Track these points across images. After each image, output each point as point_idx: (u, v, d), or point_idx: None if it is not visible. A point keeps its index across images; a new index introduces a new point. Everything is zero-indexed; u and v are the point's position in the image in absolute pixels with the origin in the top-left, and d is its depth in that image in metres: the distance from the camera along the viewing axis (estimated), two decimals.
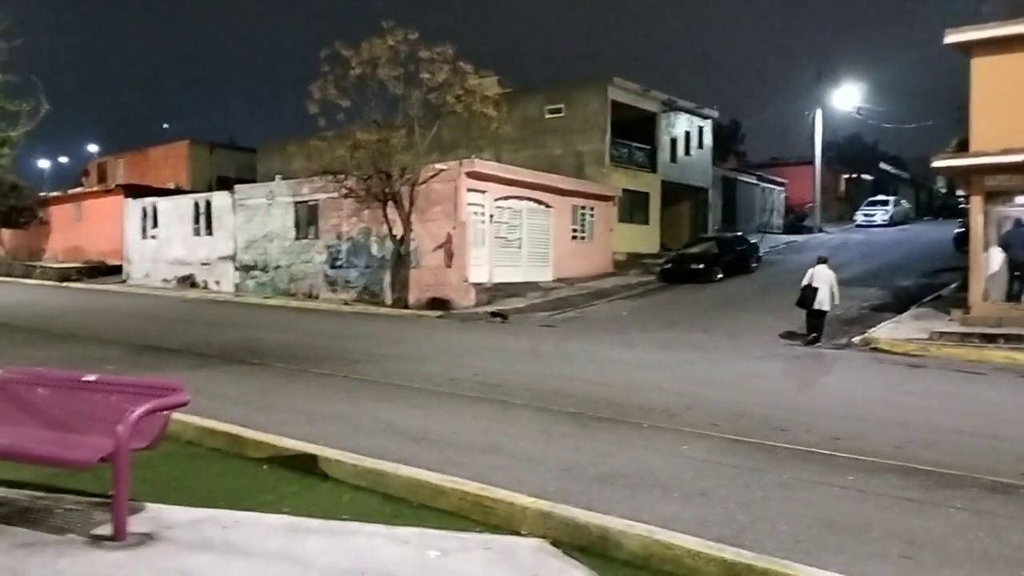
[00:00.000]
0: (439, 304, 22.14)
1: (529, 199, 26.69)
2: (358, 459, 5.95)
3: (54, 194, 44.54)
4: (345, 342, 15.17)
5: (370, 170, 22.12)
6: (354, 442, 6.72)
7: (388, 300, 23.64)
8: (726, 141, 49.46)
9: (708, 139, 39.65)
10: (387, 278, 24.05)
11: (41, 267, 37.28)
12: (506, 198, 25.51)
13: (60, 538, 4.39)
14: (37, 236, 42.85)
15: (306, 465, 6.08)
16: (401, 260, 23.24)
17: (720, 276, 26.59)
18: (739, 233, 33.19)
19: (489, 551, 4.42)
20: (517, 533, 4.77)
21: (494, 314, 20.13)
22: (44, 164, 64.32)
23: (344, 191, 23.09)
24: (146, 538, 4.38)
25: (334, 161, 22.48)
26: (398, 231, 22.97)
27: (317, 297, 26.08)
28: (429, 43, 21.58)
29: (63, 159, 68.06)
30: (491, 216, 24.78)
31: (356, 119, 22.37)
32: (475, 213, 24.02)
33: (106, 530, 4.42)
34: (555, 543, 4.58)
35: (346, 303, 24.27)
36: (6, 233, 45.07)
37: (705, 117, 38.97)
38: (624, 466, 6.51)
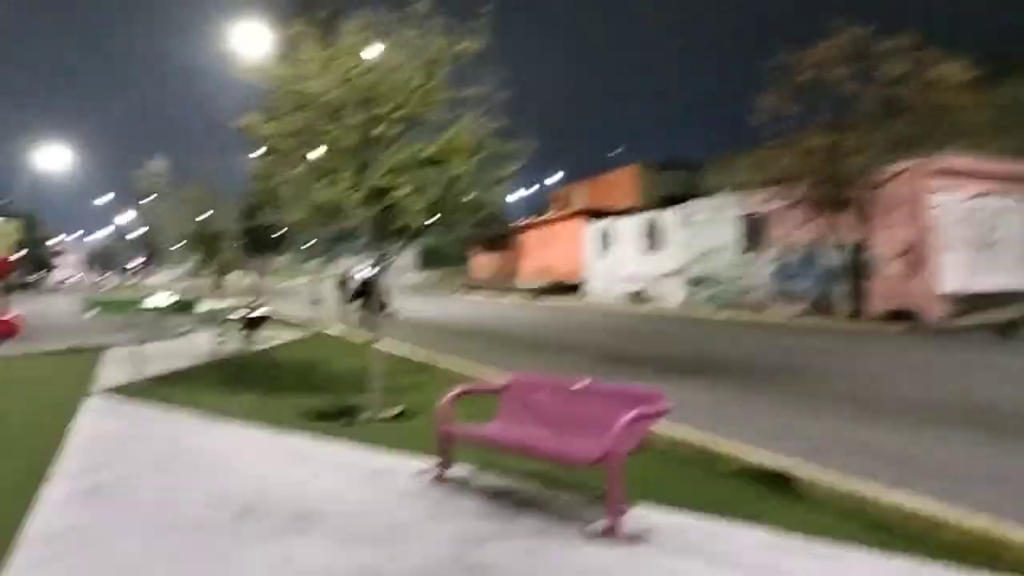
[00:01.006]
0: (902, 316, 20.21)
1: (1014, 194, 23.06)
2: (837, 479, 5.64)
3: (525, 221, 50.62)
4: (799, 357, 14.63)
5: (820, 176, 21.18)
6: (826, 462, 6.38)
7: (842, 313, 22.27)
8: None
9: None
10: (841, 290, 22.69)
11: (515, 287, 42.56)
12: (983, 195, 22.37)
13: (562, 529, 4.88)
14: (512, 259, 49.11)
15: (779, 482, 5.94)
16: (856, 270, 21.76)
17: None
18: None
19: None
20: None
21: (1000, 327, 17.51)
22: (517, 195, 73.48)
23: (793, 200, 22.42)
24: (636, 538, 4.67)
25: (781, 170, 21.96)
26: (853, 239, 21.56)
27: (765, 310, 25.64)
28: (884, 36, 19.96)
29: (532, 189, 77.01)
30: (964, 217, 21.94)
31: (804, 125, 21.61)
32: (943, 214, 21.48)
33: (600, 526, 4.82)
34: None
35: (796, 316, 23.46)
36: (488, 257, 52.47)
37: None
38: None
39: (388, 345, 13.81)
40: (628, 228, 35.59)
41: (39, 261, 72.21)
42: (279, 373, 12.41)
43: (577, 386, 5.79)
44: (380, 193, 7.96)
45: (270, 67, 8.59)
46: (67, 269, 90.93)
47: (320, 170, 8.13)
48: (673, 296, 31.46)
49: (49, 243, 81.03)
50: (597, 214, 39.64)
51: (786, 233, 25.13)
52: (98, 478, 6.04)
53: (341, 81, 8.02)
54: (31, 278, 63.84)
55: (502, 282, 45.74)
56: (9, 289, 22.60)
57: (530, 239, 47.95)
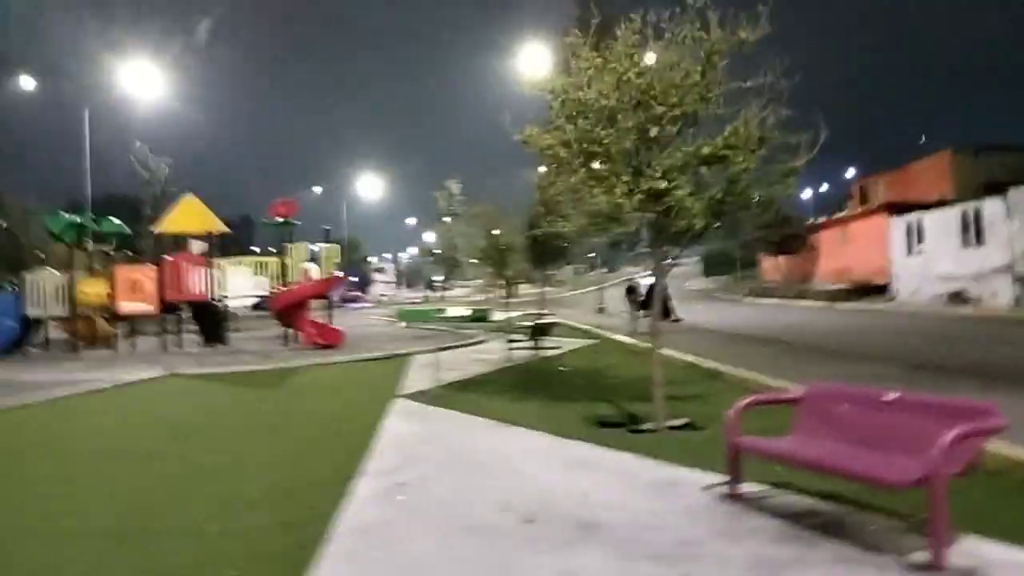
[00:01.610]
0: None
1: None
2: None
3: (820, 220, 47.46)
4: None
5: None
6: None
7: None
8: None
9: None
10: None
11: (811, 290, 39.95)
12: None
13: (873, 557, 4.30)
14: (806, 261, 46.23)
15: None
16: None
17: None
18: None
19: None
20: None
21: None
22: (809, 193, 69.37)
23: None
24: (967, 573, 3.98)
25: None
26: None
27: None
28: None
29: (825, 186, 72.30)
30: None
31: None
32: None
33: (921, 556, 4.18)
34: None
35: None
36: (778, 260, 49.88)
37: None
38: None
39: (673, 352, 13.49)
40: (941, 221, 31.90)
41: (359, 279, 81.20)
42: (564, 380, 12.62)
43: (889, 398, 5.11)
44: (657, 196, 7.73)
45: (548, 79, 8.74)
46: (382, 285, 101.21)
47: (596, 177, 8.08)
48: (1000, 296, 27.60)
49: (367, 262, 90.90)
50: (902, 208, 36.01)
51: None
52: (400, 477, 6.44)
53: (615, 86, 7.92)
54: (352, 294, 71.93)
55: (795, 286, 43.16)
56: (334, 304, 25.51)
57: (825, 239, 44.82)
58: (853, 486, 5.07)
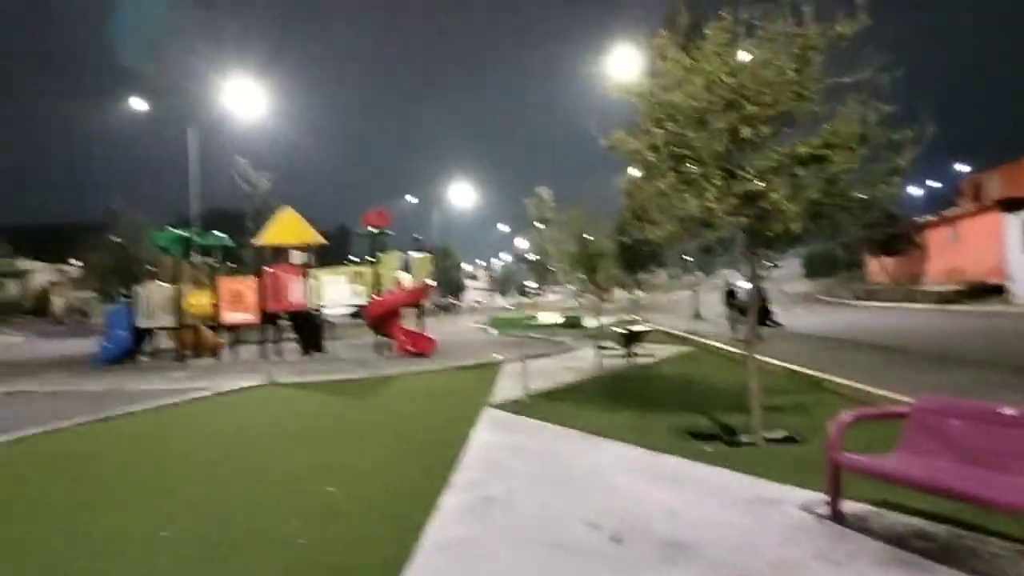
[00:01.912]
0: None
1: None
2: None
3: (928, 218, 45.22)
4: None
5: None
6: None
7: None
8: None
9: None
10: None
11: (920, 291, 38.07)
12: None
13: None
14: (915, 261, 44.12)
15: None
16: None
17: None
18: None
19: None
20: None
21: None
22: (915, 190, 66.30)
23: None
24: None
25: None
26: None
27: None
28: None
29: (933, 183, 68.97)
30: None
31: None
32: None
33: None
34: None
35: None
36: (884, 261, 47.78)
37: None
38: None
39: (773, 360, 13.01)
40: None
41: (452, 286, 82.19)
42: (657, 389, 12.34)
43: (1007, 412, 4.72)
44: (751, 199, 7.44)
45: (635, 83, 8.55)
46: (475, 292, 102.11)
47: (686, 180, 7.84)
48: None
49: (460, 269, 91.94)
50: (1020, 204, 33.88)
51: None
52: (487, 490, 6.37)
53: (705, 86, 7.68)
54: (445, 301, 72.84)
55: (902, 287, 41.22)
56: (428, 311, 25.82)
57: (935, 238, 42.67)
58: (965, 507, 4.71)
